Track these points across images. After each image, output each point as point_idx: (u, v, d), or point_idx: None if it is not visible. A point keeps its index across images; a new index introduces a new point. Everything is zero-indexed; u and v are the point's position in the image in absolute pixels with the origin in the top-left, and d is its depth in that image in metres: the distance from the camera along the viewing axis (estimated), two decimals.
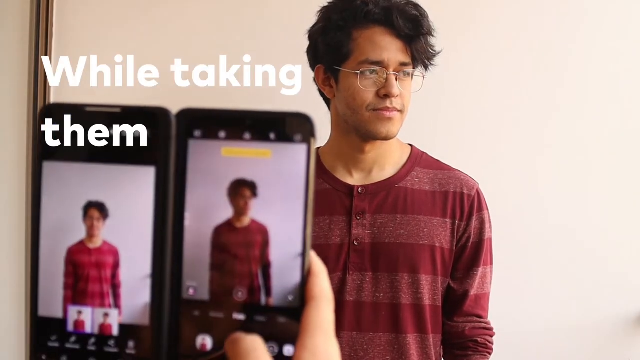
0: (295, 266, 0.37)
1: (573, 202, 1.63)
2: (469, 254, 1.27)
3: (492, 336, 1.31)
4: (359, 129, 1.22)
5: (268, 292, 0.37)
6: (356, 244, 1.22)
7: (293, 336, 0.36)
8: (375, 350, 1.21)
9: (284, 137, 0.37)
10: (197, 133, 0.37)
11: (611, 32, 1.63)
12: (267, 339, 0.36)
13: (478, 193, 1.28)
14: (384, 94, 1.18)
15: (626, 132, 1.63)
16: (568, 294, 1.62)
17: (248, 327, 0.37)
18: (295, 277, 0.37)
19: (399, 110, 1.19)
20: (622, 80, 1.63)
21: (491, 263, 1.31)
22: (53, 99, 1.64)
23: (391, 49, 1.18)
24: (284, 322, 0.37)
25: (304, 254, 0.37)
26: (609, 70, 1.63)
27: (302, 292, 0.37)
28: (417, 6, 1.21)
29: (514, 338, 1.57)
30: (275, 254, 0.37)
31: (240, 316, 0.37)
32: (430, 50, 1.22)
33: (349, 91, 1.20)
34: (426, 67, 1.23)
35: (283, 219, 0.37)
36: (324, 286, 0.37)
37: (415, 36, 1.19)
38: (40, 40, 1.61)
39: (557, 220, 1.62)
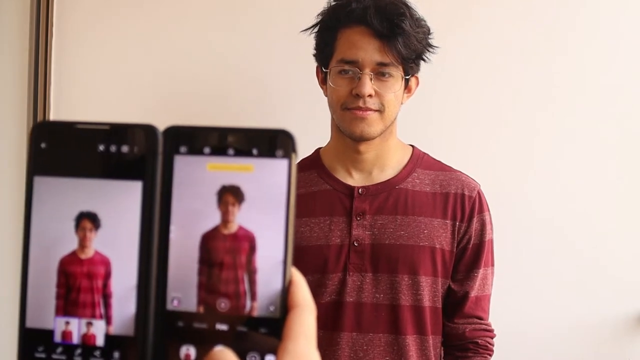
0: (277, 277, 0.38)
1: (573, 203, 1.63)
2: (469, 255, 1.27)
3: (492, 338, 1.31)
4: (340, 128, 1.24)
5: (253, 299, 0.38)
6: (356, 244, 1.22)
7: (274, 345, 0.37)
8: (375, 350, 1.22)
9: (266, 152, 0.38)
10: (183, 149, 0.39)
11: (606, 32, 1.63)
12: (249, 349, 0.37)
13: (479, 194, 1.28)
14: (355, 94, 1.18)
15: (624, 132, 1.63)
16: (568, 294, 1.62)
17: (230, 337, 0.38)
18: (277, 287, 0.38)
19: (375, 110, 1.19)
20: (619, 79, 1.63)
21: (492, 264, 1.31)
22: (53, 99, 1.64)
23: (367, 49, 1.17)
24: (266, 332, 0.38)
25: (285, 265, 0.38)
26: (605, 69, 1.63)
27: (284, 302, 0.38)
28: (400, 5, 1.19)
29: (514, 338, 1.57)
30: (261, 263, 0.38)
31: (223, 327, 0.38)
32: (410, 51, 1.19)
33: (329, 90, 1.23)
34: (404, 68, 1.20)
35: (266, 230, 0.38)
36: (306, 295, 0.38)
37: (392, 36, 1.17)
38: (40, 40, 1.62)
39: (557, 220, 1.62)
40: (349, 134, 1.22)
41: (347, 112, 1.20)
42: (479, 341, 1.28)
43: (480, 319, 1.29)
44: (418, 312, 1.23)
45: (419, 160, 1.30)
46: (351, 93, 1.18)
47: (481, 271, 1.28)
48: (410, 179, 1.27)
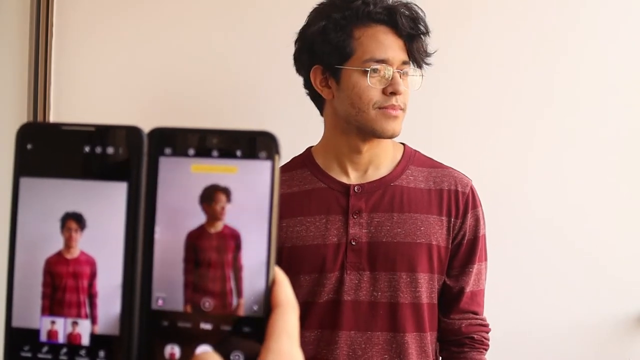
0: (261, 276, 0.39)
1: (572, 203, 1.62)
2: (464, 251, 1.27)
3: (488, 332, 1.31)
4: (364, 127, 1.22)
5: (240, 297, 0.38)
6: (353, 243, 1.22)
7: (258, 345, 0.37)
8: (374, 349, 1.22)
9: (250, 154, 0.39)
10: (167, 150, 0.39)
11: (606, 32, 1.63)
12: (233, 348, 0.38)
13: (472, 190, 1.28)
14: (390, 92, 1.19)
15: (624, 132, 1.63)
16: (568, 294, 1.62)
17: (214, 336, 0.38)
18: (260, 287, 0.38)
19: (402, 109, 1.21)
20: (619, 80, 1.63)
21: (485, 259, 1.32)
22: (53, 99, 1.65)
23: (394, 48, 1.20)
24: (249, 332, 0.38)
25: (268, 264, 0.39)
26: (605, 69, 1.63)
27: (267, 301, 0.38)
28: (415, 6, 1.23)
29: (514, 338, 1.57)
30: (245, 262, 0.39)
31: (207, 326, 0.38)
32: (427, 50, 1.25)
33: (354, 90, 1.20)
34: (420, 67, 1.25)
35: (250, 230, 0.39)
36: (288, 294, 0.39)
37: (416, 35, 1.22)
38: (40, 40, 1.62)
39: (557, 220, 1.62)
40: (378, 133, 1.21)
41: (379, 111, 1.20)
42: (475, 336, 1.28)
43: (476, 314, 1.30)
44: (417, 309, 1.23)
45: (411, 157, 1.30)
46: (383, 92, 1.19)
47: (476, 266, 1.28)
48: (405, 176, 1.27)
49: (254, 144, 0.39)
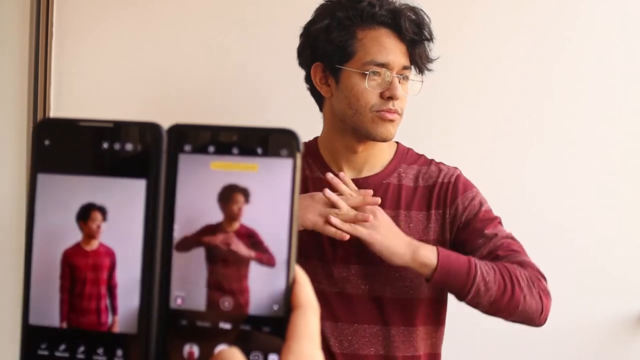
0: (281, 275, 0.38)
1: (571, 202, 1.63)
2: (471, 230, 1.24)
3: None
4: (359, 129, 1.22)
5: (254, 299, 0.38)
6: None
7: (278, 345, 0.37)
8: (361, 341, 1.22)
9: (271, 152, 0.38)
10: (187, 147, 0.39)
11: (604, 33, 1.63)
12: (253, 348, 0.37)
13: (458, 178, 1.28)
14: (388, 96, 1.19)
15: (624, 132, 1.64)
16: (568, 294, 1.62)
17: (234, 336, 0.38)
18: (280, 286, 0.38)
19: (398, 113, 1.21)
20: (619, 80, 1.64)
21: (497, 222, 1.27)
22: (53, 99, 1.64)
23: (396, 52, 1.20)
24: (269, 331, 0.37)
25: (289, 264, 0.38)
26: (605, 70, 1.63)
27: (287, 301, 0.38)
28: (420, 11, 1.23)
29: (514, 338, 1.57)
30: (263, 261, 0.38)
31: (226, 325, 0.38)
32: (430, 56, 1.24)
33: (352, 91, 1.20)
34: (422, 72, 1.25)
35: (270, 230, 0.38)
36: (310, 294, 0.38)
37: (419, 40, 1.22)
38: (40, 40, 1.62)
39: (556, 220, 1.62)
40: (372, 136, 1.21)
41: (376, 115, 1.20)
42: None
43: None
44: (404, 304, 1.23)
45: (403, 155, 1.31)
46: (381, 96, 1.19)
47: (489, 231, 1.24)
48: (396, 174, 1.28)
49: (275, 142, 0.38)
